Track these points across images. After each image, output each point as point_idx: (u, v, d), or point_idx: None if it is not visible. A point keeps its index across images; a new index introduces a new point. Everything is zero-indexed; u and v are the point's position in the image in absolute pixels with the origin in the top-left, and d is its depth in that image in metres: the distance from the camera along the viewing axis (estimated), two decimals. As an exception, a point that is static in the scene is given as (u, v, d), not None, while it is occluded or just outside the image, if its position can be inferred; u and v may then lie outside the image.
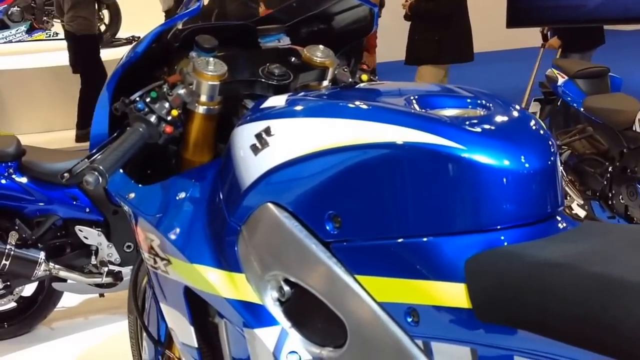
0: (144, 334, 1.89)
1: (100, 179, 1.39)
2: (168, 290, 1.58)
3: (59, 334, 3.20)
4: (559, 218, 1.22)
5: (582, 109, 4.13)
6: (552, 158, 1.21)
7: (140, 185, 1.58)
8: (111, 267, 3.13)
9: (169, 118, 1.51)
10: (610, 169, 3.91)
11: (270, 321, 1.36)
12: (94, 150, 1.52)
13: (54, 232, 3.19)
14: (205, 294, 1.45)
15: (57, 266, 3.10)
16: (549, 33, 5.35)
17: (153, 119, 1.50)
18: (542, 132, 1.25)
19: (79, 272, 3.16)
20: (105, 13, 8.21)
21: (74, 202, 3.16)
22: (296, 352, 1.33)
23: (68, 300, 3.36)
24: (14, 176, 3.11)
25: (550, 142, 1.24)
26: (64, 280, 3.17)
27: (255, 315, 1.38)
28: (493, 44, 9.35)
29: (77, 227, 3.16)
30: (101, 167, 1.39)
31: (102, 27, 8.08)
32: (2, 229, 3.11)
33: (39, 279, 3.13)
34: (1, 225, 3.12)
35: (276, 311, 1.37)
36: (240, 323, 1.39)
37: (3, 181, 3.08)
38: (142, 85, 1.54)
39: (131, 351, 2.14)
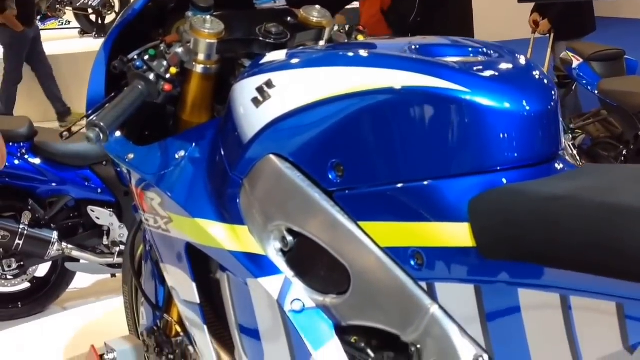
0: (141, 301, 1.90)
1: (101, 135, 1.39)
2: (169, 249, 1.58)
3: (71, 314, 3.21)
4: (559, 160, 1.22)
5: (596, 92, 4.10)
6: (553, 102, 1.21)
7: (138, 147, 1.59)
8: (123, 247, 3.14)
9: (168, 76, 1.51)
10: (624, 152, 3.88)
11: (273, 271, 1.36)
12: (92, 110, 1.52)
13: (67, 213, 3.20)
14: (207, 248, 1.45)
15: (69, 246, 3.12)
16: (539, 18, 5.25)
17: (152, 76, 1.49)
18: (543, 77, 1.25)
19: (91, 253, 3.18)
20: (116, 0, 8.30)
21: (86, 183, 3.17)
22: (300, 300, 1.32)
23: (80, 280, 3.38)
24: (26, 157, 3.12)
25: (551, 88, 1.24)
26: (77, 260, 3.18)
27: (258, 265, 1.37)
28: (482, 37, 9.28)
29: (89, 208, 3.18)
30: (102, 124, 1.39)
31: (112, 15, 8.15)
32: (15, 209, 3.13)
33: (52, 258, 3.15)
34: (14, 206, 3.14)
35: (279, 261, 1.37)
36: (243, 274, 1.39)
37: (16, 162, 3.10)
38: (139, 46, 1.54)
39: (126, 322, 2.15)
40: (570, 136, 4.23)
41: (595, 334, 0.97)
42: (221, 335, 1.57)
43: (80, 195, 3.18)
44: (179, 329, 1.76)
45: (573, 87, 4.46)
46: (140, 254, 1.96)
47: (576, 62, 4.26)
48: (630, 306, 0.91)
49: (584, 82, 4.22)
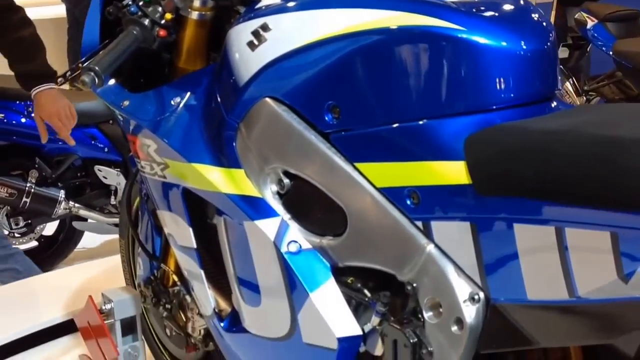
0: (138, 252, 1.90)
1: (97, 79, 1.37)
2: (165, 195, 1.57)
3: (75, 270, 3.21)
4: (555, 100, 1.21)
5: (611, 53, 4.03)
6: (549, 42, 1.20)
7: (134, 94, 1.57)
8: (130, 206, 3.13)
9: (163, 22, 1.48)
10: (639, 113, 3.81)
11: (270, 213, 1.34)
12: (87, 56, 1.50)
13: (74, 172, 3.21)
14: (204, 192, 1.44)
15: (77, 205, 3.12)
16: None
17: (147, 22, 1.47)
18: (540, 18, 1.23)
19: (99, 212, 3.19)
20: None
21: (93, 142, 3.17)
22: (296, 242, 1.31)
23: (88, 240, 3.39)
24: (33, 115, 3.11)
25: (548, 28, 1.22)
26: (84, 219, 3.19)
27: (255, 208, 1.36)
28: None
29: (97, 167, 3.18)
30: (97, 68, 1.37)
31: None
32: (22, 168, 3.14)
33: (60, 217, 3.16)
34: (21, 164, 3.14)
35: (276, 203, 1.35)
36: (240, 217, 1.37)
37: (22, 119, 3.10)
38: None
39: (123, 275, 2.15)
40: (585, 99, 4.19)
41: (590, 265, 0.95)
42: (218, 282, 1.56)
43: (87, 154, 3.18)
44: (176, 279, 1.76)
45: (587, 49, 4.38)
46: (137, 206, 1.96)
47: (591, 23, 4.19)
48: (624, 235, 0.89)
49: (599, 43, 4.15)
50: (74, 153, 3.17)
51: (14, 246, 2.98)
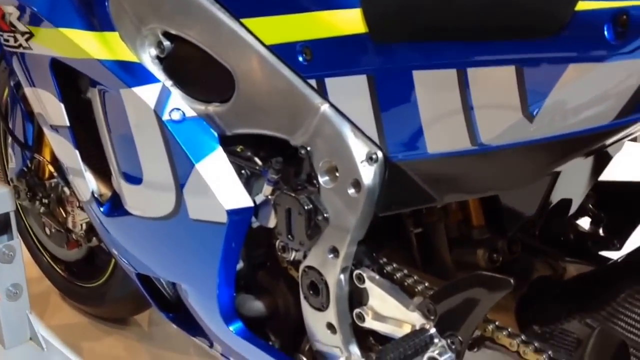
0: (9, 143, 1.75)
1: None
2: (32, 69, 1.42)
3: None
4: None
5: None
6: None
7: None
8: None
9: None
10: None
11: (149, 79, 1.22)
12: None
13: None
14: (74, 61, 1.30)
15: None
16: None
17: None
18: None
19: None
20: None
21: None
22: (179, 110, 1.20)
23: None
24: None
25: None
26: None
27: (132, 74, 1.23)
28: None
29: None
30: None
31: None
32: None
33: None
34: None
35: (155, 69, 1.23)
36: (116, 85, 1.24)
37: None
38: None
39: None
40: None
41: (494, 107, 0.89)
42: (96, 165, 1.44)
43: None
44: (52, 169, 1.62)
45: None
46: (6, 97, 1.79)
47: None
48: (530, 68, 0.83)
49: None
50: None
51: None
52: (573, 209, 1.17)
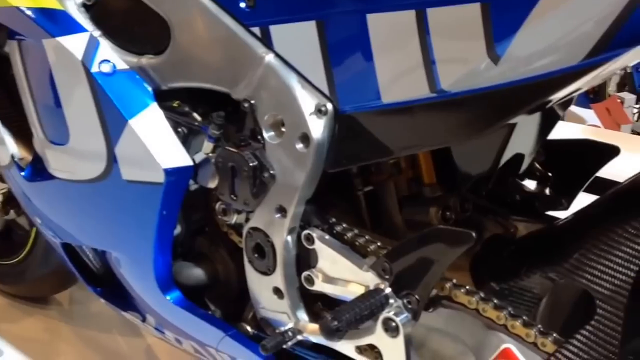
0: None
1: None
2: None
3: None
4: None
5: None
6: None
7: None
8: None
9: None
10: None
11: (75, 28, 1.13)
12: None
13: None
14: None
15: None
16: None
17: None
18: None
19: None
20: None
21: None
22: (109, 61, 1.11)
23: None
24: None
25: None
26: None
27: (56, 22, 1.13)
28: None
29: None
30: None
31: None
32: None
33: None
34: None
35: (82, 17, 1.14)
36: (37, 35, 1.14)
37: None
38: None
39: None
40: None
41: (456, 50, 0.84)
42: (16, 126, 1.33)
43: None
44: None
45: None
46: None
47: None
48: (497, 4, 0.78)
49: None
50: None
51: None
52: (523, 167, 1.14)
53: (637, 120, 3.66)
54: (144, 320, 1.39)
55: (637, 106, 3.65)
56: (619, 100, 3.55)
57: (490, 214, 1.16)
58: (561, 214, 1.13)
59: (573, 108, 3.31)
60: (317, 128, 0.96)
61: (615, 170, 1.16)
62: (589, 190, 1.19)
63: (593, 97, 3.74)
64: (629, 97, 3.57)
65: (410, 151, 0.98)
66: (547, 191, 1.21)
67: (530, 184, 1.22)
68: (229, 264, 1.22)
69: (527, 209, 1.19)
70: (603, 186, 1.03)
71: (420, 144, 0.95)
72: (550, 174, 1.20)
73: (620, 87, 3.78)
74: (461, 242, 0.88)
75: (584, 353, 0.83)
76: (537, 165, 1.20)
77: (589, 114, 3.65)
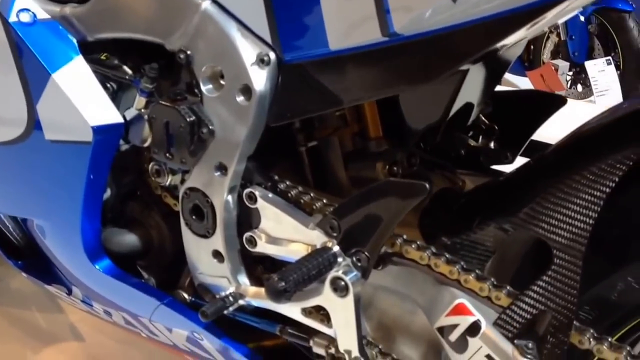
0: None
1: None
2: None
3: None
4: None
5: None
6: None
7: None
8: None
9: None
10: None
11: None
12: None
13: None
14: None
15: None
16: None
17: None
18: None
19: None
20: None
21: None
22: (29, 10, 1.02)
23: None
24: None
25: None
26: None
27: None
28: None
29: None
30: None
31: None
32: None
33: None
34: None
35: None
36: None
37: None
38: None
39: None
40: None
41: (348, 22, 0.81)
42: None
43: None
44: None
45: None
46: None
47: None
48: None
49: None
50: None
51: None
52: (471, 118, 1.11)
53: (570, 88, 3.72)
54: (69, 293, 1.31)
55: (571, 73, 3.71)
56: (553, 68, 3.60)
57: (437, 168, 1.13)
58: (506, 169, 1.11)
59: (508, 76, 3.33)
60: (259, 79, 0.91)
61: (550, 134, 1.14)
62: (523, 154, 1.18)
63: (528, 64, 3.78)
64: (562, 64, 3.61)
65: (359, 101, 0.93)
66: (492, 145, 1.18)
67: (475, 139, 1.20)
68: (163, 228, 1.16)
69: (472, 163, 1.17)
70: (539, 150, 1.01)
71: (370, 93, 0.90)
72: (496, 127, 1.18)
73: (555, 55, 3.83)
74: (414, 194, 0.84)
75: (540, 304, 0.81)
76: (483, 118, 1.18)
77: (523, 82, 3.70)
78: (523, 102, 1.16)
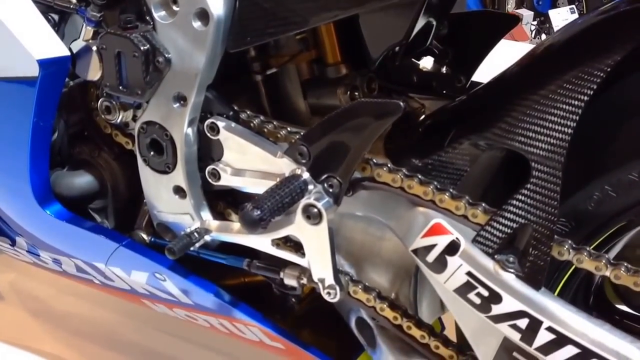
0: None
1: None
2: None
3: None
4: None
5: None
6: None
7: None
8: None
9: None
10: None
11: None
12: None
13: None
14: None
15: None
16: None
17: None
18: None
19: None
20: None
21: None
22: None
23: None
24: None
25: None
26: None
27: None
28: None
29: None
30: None
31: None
32: None
33: None
34: None
35: None
36: None
37: None
38: None
39: None
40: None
41: None
42: None
43: None
44: None
45: None
46: None
47: None
48: None
49: None
50: None
51: None
52: (429, 40, 1.09)
53: (534, 37, 3.73)
54: (13, 244, 1.25)
55: (535, 23, 3.72)
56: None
57: (394, 93, 1.11)
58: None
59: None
60: (216, 2, 0.86)
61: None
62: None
63: (492, 14, 3.78)
64: (527, 13, 3.62)
65: (321, 21, 0.90)
66: (444, 70, 1.17)
67: (426, 64, 1.18)
68: (115, 168, 1.10)
69: (426, 89, 1.15)
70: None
71: (332, 13, 0.86)
72: (449, 50, 1.16)
73: (519, 5, 3.83)
74: (389, 113, 0.82)
75: (520, 218, 0.81)
76: (436, 42, 1.16)
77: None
78: (477, 22, 1.14)
